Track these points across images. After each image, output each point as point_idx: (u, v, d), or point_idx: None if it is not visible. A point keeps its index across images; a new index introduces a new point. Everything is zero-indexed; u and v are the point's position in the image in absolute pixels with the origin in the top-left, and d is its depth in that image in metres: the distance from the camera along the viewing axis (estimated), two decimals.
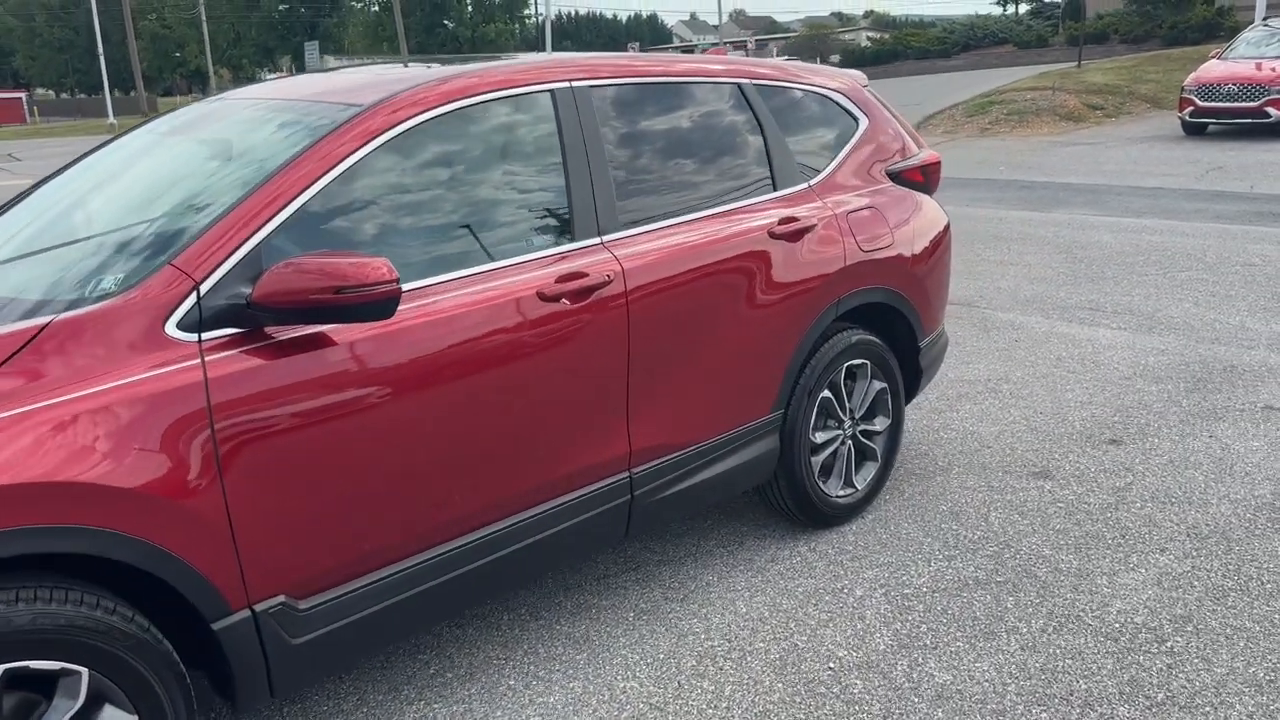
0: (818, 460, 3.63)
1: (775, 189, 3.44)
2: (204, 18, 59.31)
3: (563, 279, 2.73)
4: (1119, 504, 3.86)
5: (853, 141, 3.78)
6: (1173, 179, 12.71)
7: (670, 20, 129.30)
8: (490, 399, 2.57)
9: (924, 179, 4.03)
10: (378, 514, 2.40)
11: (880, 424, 3.86)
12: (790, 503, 3.60)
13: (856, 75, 4.06)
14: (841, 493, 3.74)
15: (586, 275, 2.77)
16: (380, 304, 2.18)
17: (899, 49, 40.39)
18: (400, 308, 2.39)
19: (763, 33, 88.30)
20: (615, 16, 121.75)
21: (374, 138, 2.50)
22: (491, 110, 2.79)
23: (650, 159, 3.13)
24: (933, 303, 4.00)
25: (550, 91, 2.90)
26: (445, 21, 60.96)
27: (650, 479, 3.03)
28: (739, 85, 3.45)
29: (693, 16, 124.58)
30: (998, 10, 43.34)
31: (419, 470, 2.46)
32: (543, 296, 2.67)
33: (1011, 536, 3.64)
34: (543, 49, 40.95)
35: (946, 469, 4.25)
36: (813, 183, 3.57)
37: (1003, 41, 37.99)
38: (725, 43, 66.23)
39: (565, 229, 2.84)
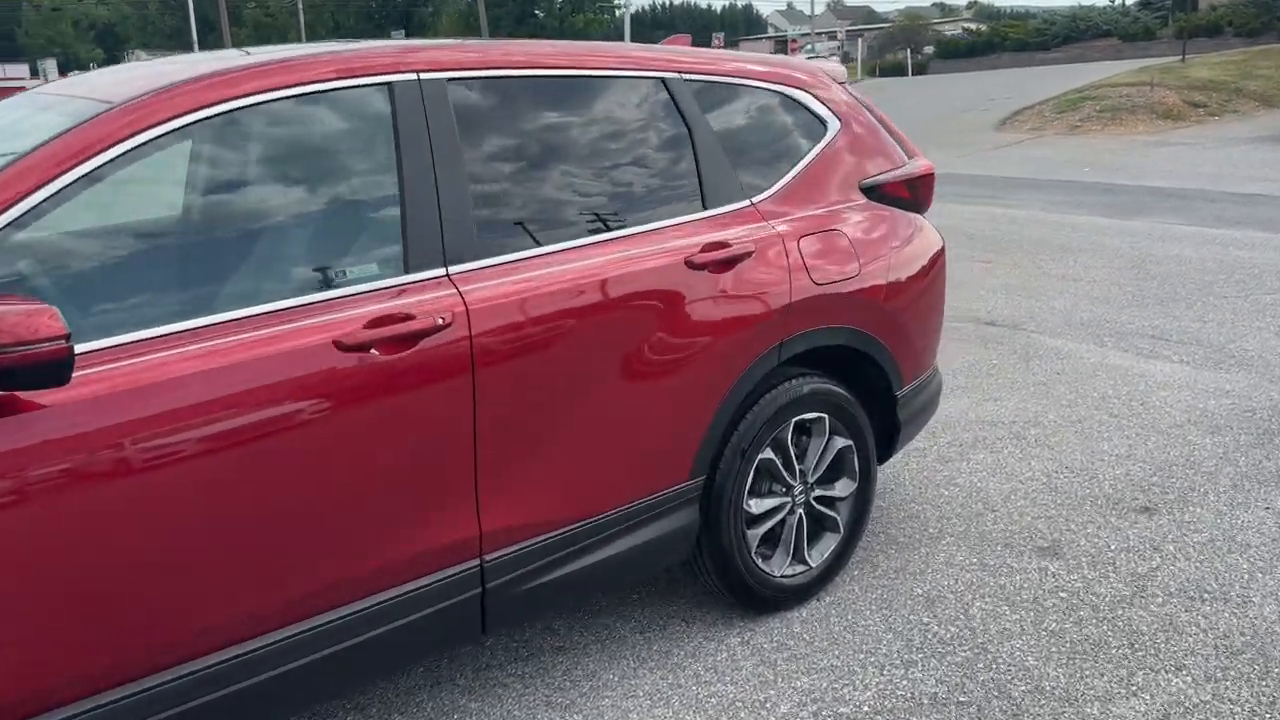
0: (756, 533, 3.01)
1: (705, 207, 2.83)
2: (300, 7, 60.32)
3: (375, 322, 2.17)
4: (1135, 597, 3.15)
5: (817, 150, 3.14)
6: (1275, 185, 11.58)
7: (766, 10, 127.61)
8: (258, 478, 2.02)
9: (911, 195, 3.36)
10: (87, 627, 1.88)
11: (843, 489, 3.21)
12: (719, 583, 2.99)
13: (834, 70, 3.40)
14: (789, 571, 3.10)
15: (411, 318, 2.21)
16: (41, 367, 1.65)
17: (995, 41, 38.89)
18: (127, 363, 1.87)
19: (861, 23, 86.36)
20: (710, 6, 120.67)
21: (115, 143, 1.97)
22: (300, 109, 2.24)
23: (531, 172, 2.54)
24: (916, 344, 3.33)
25: (388, 85, 2.34)
26: (535, 11, 60.84)
27: (511, 567, 2.45)
28: (663, 80, 2.84)
29: (789, 6, 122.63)
30: (1103, 1, 41.30)
31: (153, 569, 1.93)
32: (342, 346, 2.11)
33: (992, 637, 2.97)
34: (624, 39, 40.42)
35: (936, 538, 3.58)
36: (757, 200, 2.94)
37: (1106, 34, 36.18)
38: (818, 33, 64.85)
39: (395, 260, 2.28)
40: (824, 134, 3.18)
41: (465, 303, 2.29)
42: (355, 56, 2.33)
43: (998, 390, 5.12)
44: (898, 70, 41.59)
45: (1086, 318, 6.42)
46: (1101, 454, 4.27)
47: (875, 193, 3.25)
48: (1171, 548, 3.45)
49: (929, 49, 45.33)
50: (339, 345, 2.10)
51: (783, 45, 58.54)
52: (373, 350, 2.14)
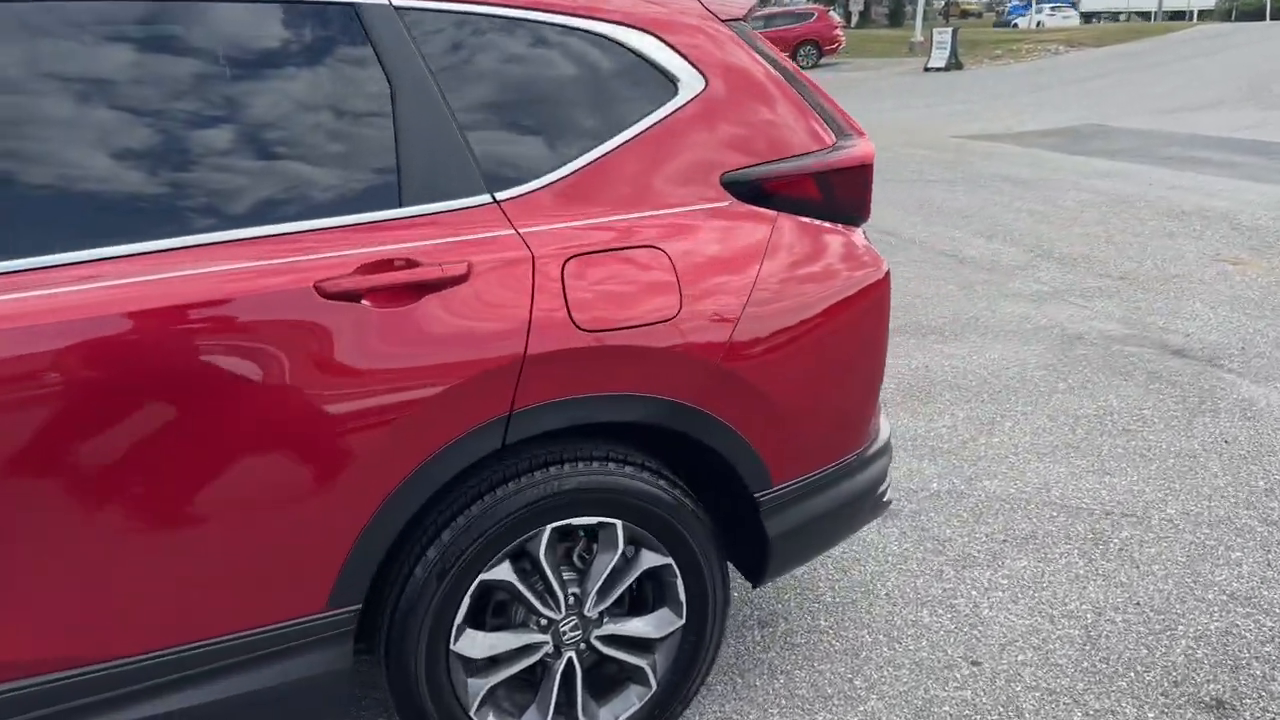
0: (480, 683, 2.06)
1: (401, 203, 1.86)
2: None
3: None
4: None
5: (649, 121, 2.06)
6: None
7: None
8: None
9: (823, 195, 2.19)
10: None
11: (657, 626, 2.18)
12: None
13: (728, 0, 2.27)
14: None
15: None
16: None
17: None
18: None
19: None
20: None
21: None
22: None
23: (77, 143, 1.70)
24: (802, 425, 2.19)
25: None
26: None
27: None
28: (353, 6, 1.89)
29: None
30: None
31: None
32: None
33: None
34: None
35: (861, 697, 2.45)
36: (508, 196, 1.93)
37: None
38: None
39: None
40: (669, 98, 2.09)
41: None
42: None
43: (1121, 458, 3.71)
44: (1254, 14, 35.77)
45: None
46: (1212, 587, 2.87)
47: (753, 190, 2.13)
48: None
49: None
50: None
51: None
52: None
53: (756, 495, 2.17)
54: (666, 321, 1.98)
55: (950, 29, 24.51)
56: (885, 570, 2.99)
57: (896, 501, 3.38)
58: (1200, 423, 4.00)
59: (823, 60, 27.90)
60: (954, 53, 24.31)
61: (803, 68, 25.84)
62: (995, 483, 3.52)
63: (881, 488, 2.44)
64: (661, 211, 2.03)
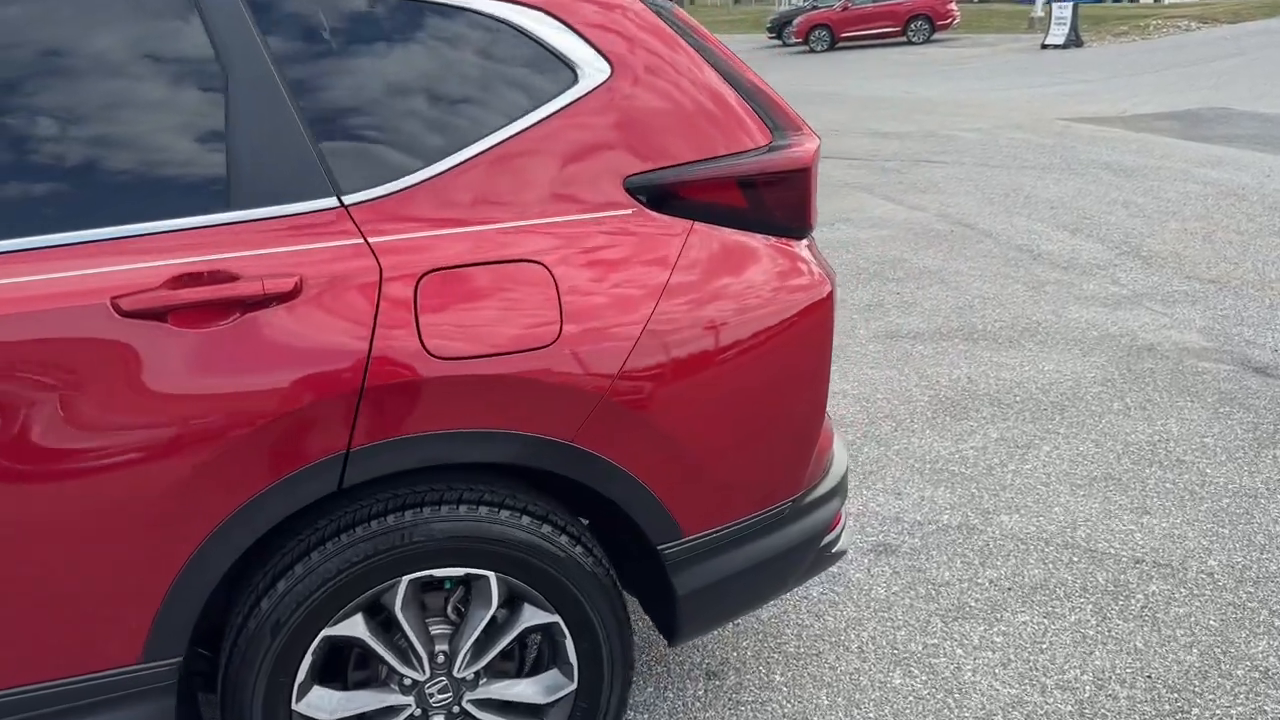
0: None
1: (230, 206, 1.63)
2: None
3: None
4: None
5: (541, 115, 1.78)
6: None
7: None
8: None
9: (750, 204, 1.88)
10: None
11: (545, 689, 1.92)
12: None
13: None
14: None
15: None
16: None
17: None
18: None
19: None
20: None
21: None
22: None
23: None
24: (714, 469, 1.89)
25: None
26: None
27: None
28: None
29: None
30: None
31: None
32: None
33: None
34: None
35: None
36: (358, 199, 1.67)
37: None
38: None
39: None
40: (565, 88, 1.80)
41: None
42: None
43: (1167, 494, 3.28)
44: None
45: None
46: (1243, 661, 2.46)
47: (663, 197, 1.83)
48: None
49: None
50: None
51: None
52: None
53: (661, 548, 1.89)
54: (543, 348, 1.71)
55: (1071, 3, 23.20)
56: (864, 617, 2.67)
57: (895, 536, 3.04)
58: (1269, 456, 3.53)
59: (935, 36, 26.86)
60: (1074, 29, 23.04)
61: (912, 44, 24.82)
62: (1015, 518, 3.14)
63: (828, 538, 2.12)
64: (549, 220, 1.75)
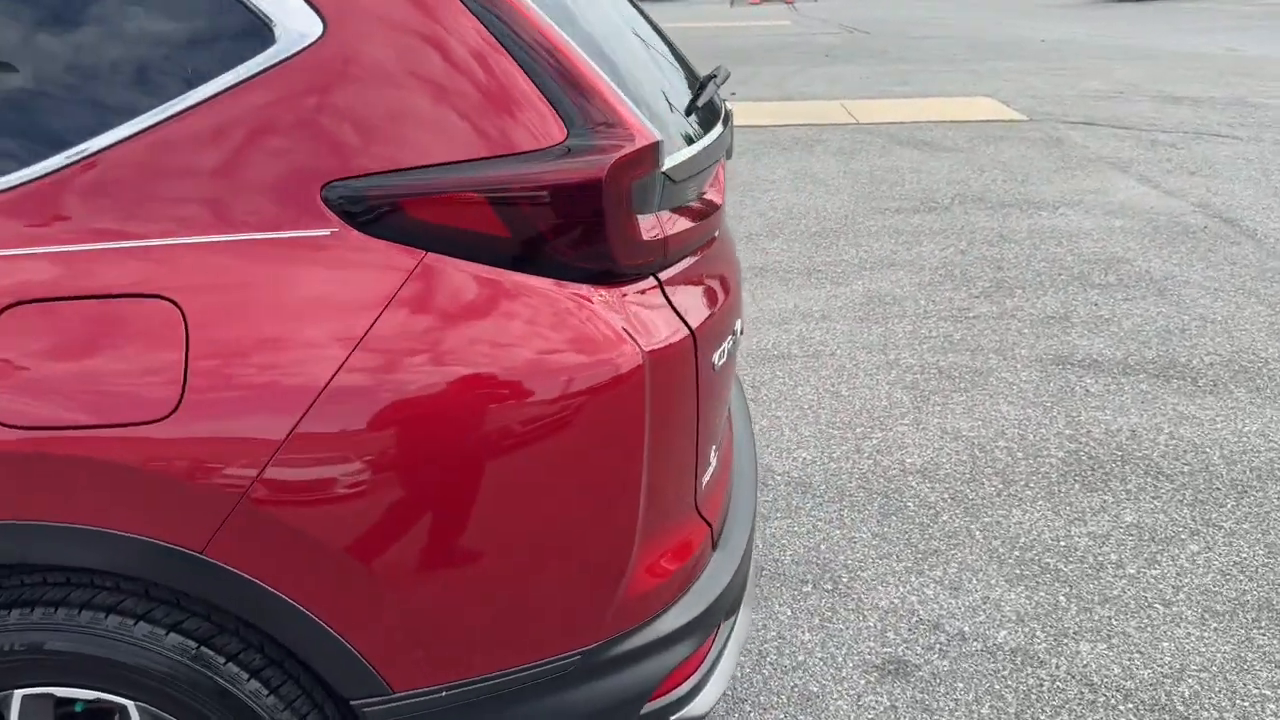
0: None
1: None
2: None
3: None
4: None
5: (208, 93, 1.25)
6: None
7: None
8: None
9: (510, 229, 1.27)
10: None
11: None
12: None
13: None
14: None
15: None
16: None
17: None
18: None
19: None
20: None
21: None
22: None
23: None
24: (442, 605, 1.33)
25: None
26: None
27: None
28: None
29: None
30: None
31: None
32: None
33: None
34: None
35: None
36: None
37: None
38: None
39: None
40: (251, 54, 1.27)
41: None
42: None
43: (1201, 531, 2.32)
44: None
45: None
46: None
47: (379, 214, 1.26)
48: None
49: None
50: None
51: None
52: None
53: (355, 703, 1.36)
54: (159, 420, 1.22)
55: None
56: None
57: (919, 652, 2.32)
58: None
59: None
60: None
61: None
62: (1098, 649, 2.32)
63: (653, 706, 1.50)
64: (194, 239, 1.25)
